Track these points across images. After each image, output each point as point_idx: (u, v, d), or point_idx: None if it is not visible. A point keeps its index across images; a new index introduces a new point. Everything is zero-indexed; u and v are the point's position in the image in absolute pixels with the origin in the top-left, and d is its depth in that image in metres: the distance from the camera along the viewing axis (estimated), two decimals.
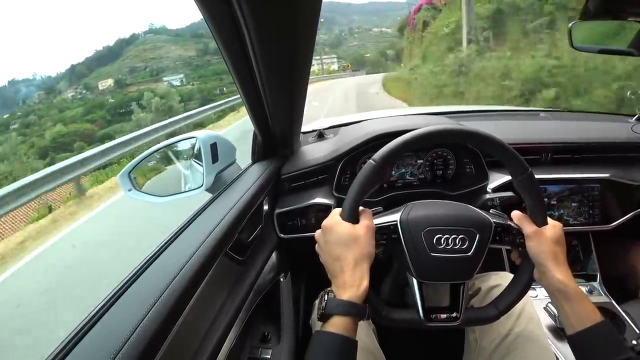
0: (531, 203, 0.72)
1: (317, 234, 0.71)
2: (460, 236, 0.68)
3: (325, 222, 0.69)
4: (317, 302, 0.98)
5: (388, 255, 0.75)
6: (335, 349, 0.57)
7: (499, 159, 0.72)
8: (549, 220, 0.72)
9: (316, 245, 0.71)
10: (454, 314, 0.70)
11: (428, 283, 0.71)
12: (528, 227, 0.70)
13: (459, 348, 0.94)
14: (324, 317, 0.60)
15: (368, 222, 0.67)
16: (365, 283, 0.62)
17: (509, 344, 0.81)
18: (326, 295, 0.62)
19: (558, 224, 0.72)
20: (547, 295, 1.12)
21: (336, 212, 0.69)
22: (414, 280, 0.70)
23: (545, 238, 0.69)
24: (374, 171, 0.67)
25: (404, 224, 0.69)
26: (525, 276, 0.72)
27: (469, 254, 0.67)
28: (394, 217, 0.71)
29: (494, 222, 0.71)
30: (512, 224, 0.72)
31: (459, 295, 0.71)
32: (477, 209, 0.73)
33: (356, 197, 0.67)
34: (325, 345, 0.58)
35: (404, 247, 0.69)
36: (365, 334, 0.89)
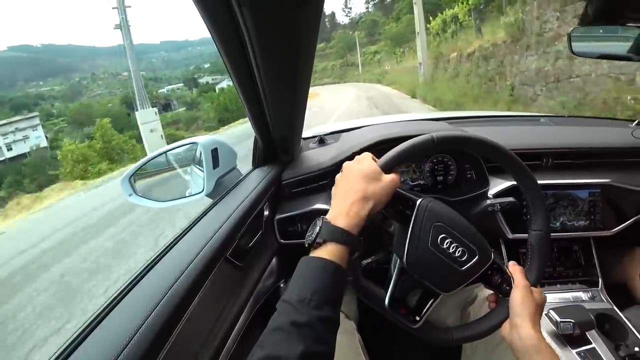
0: (534, 261, 0.73)
1: (346, 163, 0.70)
2: (462, 248, 0.67)
3: (359, 156, 0.69)
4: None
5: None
6: (328, 274, 0.54)
7: (531, 202, 0.73)
8: (539, 287, 0.72)
9: (337, 175, 0.69)
10: (415, 318, 0.70)
11: (408, 275, 0.70)
12: (520, 279, 0.69)
13: (456, 351, 0.93)
14: (316, 244, 0.58)
15: (395, 177, 0.66)
16: (363, 214, 0.60)
17: (505, 348, 0.80)
18: (320, 221, 0.60)
19: (545, 296, 0.71)
20: (548, 301, 1.13)
21: (369, 154, 0.69)
22: (398, 265, 0.70)
23: (532, 296, 0.68)
24: (427, 145, 0.68)
25: (422, 207, 0.68)
26: (494, 322, 0.71)
27: (462, 268, 0.67)
28: (416, 198, 0.70)
29: (494, 258, 0.70)
30: (507, 270, 0.72)
31: (426, 304, 0.71)
32: (485, 241, 0.72)
33: (399, 154, 0.68)
34: (317, 269, 0.55)
35: (410, 228, 0.68)
36: (349, 345, 0.89)
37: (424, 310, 0.70)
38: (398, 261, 0.70)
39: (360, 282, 0.73)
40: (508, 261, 0.75)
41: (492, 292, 0.74)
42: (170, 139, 28.82)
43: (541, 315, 0.69)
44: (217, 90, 54.85)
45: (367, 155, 0.69)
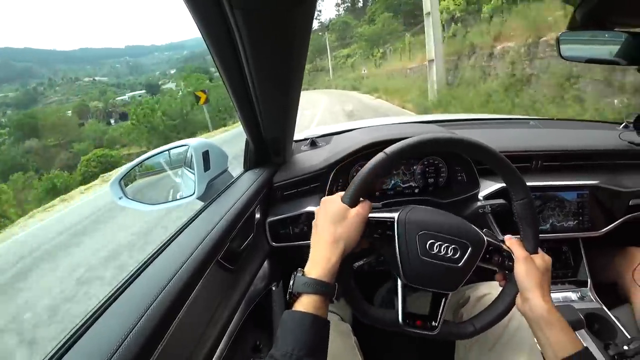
0: (526, 229, 0.73)
1: (317, 208, 0.71)
2: (453, 246, 0.68)
3: (324, 199, 0.71)
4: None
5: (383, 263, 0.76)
6: (305, 327, 0.55)
7: (504, 180, 0.73)
8: (539, 250, 0.73)
9: (313, 222, 0.71)
10: (432, 324, 0.70)
11: (413, 288, 0.70)
12: (519, 251, 0.71)
13: (449, 355, 0.94)
14: (292, 297, 0.60)
15: (362, 210, 0.67)
16: (334, 260, 0.61)
17: (500, 350, 0.81)
18: (294, 274, 0.61)
19: (548, 257, 0.72)
20: None
21: (340, 194, 0.70)
22: (399, 282, 0.71)
23: (534, 265, 0.69)
24: (382, 163, 0.68)
25: (401, 222, 0.69)
26: (508, 299, 0.72)
27: (459, 265, 0.68)
28: (393, 214, 0.71)
29: (487, 240, 0.71)
30: (504, 246, 0.73)
31: (439, 306, 0.71)
32: (473, 226, 0.74)
33: (359, 184, 0.68)
34: (294, 323, 0.56)
35: (396, 246, 0.69)
36: (344, 347, 0.88)
37: (439, 313, 0.71)
38: (399, 279, 0.71)
39: (369, 312, 0.72)
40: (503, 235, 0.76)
41: (491, 280, 0.75)
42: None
43: (549, 280, 0.70)
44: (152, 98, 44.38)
45: (334, 196, 0.70)
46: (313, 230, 0.69)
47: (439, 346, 0.85)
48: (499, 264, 0.72)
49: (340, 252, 0.63)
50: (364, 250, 1.01)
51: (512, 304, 0.71)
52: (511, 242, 0.73)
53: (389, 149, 0.69)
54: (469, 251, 0.68)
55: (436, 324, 0.70)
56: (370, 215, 0.70)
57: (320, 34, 57.13)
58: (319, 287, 0.59)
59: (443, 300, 0.71)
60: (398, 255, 0.68)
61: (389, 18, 34.53)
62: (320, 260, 0.62)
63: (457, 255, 0.68)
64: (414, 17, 28.59)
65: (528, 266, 0.69)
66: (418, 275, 0.68)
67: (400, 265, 0.68)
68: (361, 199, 0.69)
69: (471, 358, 0.86)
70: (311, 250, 0.65)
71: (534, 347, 0.83)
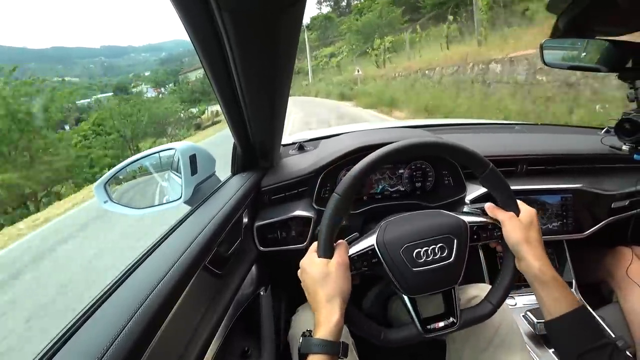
0: (499, 195, 0.74)
1: (299, 272, 0.71)
2: (439, 245, 0.69)
3: (302, 261, 0.71)
4: (294, 317, 0.97)
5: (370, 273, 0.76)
6: None
7: (462, 161, 0.75)
8: (522, 206, 0.74)
9: (301, 283, 0.71)
10: (451, 319, 0.71)
11: (419, 296, 0.71)
12: (501, 215, 0.72)
13: (441, 357, 0.94)
14: (302, 357, 0.62)
15: (339, 258, 0.68)
16: (335, 319, 0.62)
17: (492, 353, 0.81)
18: (302, 336, 0.64)
19: (531, 210, 0.73)
20: (525, 304, 1.15)
21: (313, 248, 0.70)
22: (405, 298, 0.71)
23: (517, 224, 0.70)
24: (339, 205, 0.68)
25: (381, 246, 0.70)
26: (510, 264, 0.73)
27: (451, 260, 0.69)
28: (370, 240, 0.71)
29: (469, 222, 0.72)
30: (487, 219, 0.74)
31: (452, 301, 0.72)
32: (451, 213, 0.75)
33: (327, 233, 0.68)
34: None
35: (386, 269, 0.69)
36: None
37: (454, 307, 0.72)
38: (404, 297, 0.71)
39: (390, 337, 0.72)
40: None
41: (479, 281, 0.76)
42: None
43: (537, 232, 0.71)
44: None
45: (308, 255, 0.71)
46: (305, 293, 0.70)
47: (431, 348, 0.86)
48: (489, 238, 0.74)
49: (338, 308, 0.64)
50: None
51: (516, 269, 0.72)
52: (491, 210, 0.75)
53: (339, 189, 0.69)
54: (455, 243, 0.69)
55: (455, 319, 0.71)
56: (351, 252, 0.70)
57: None
58: (325, 347, 0.61)
59: (452, 293, 0.72)
60: (391, 275, 0.69)
61: (387, 4, 26.76)
62: (323, 321, 0.63)
63: (446, 252, 0.69)
64: (414, 9, 23.41)
65: (511, 225, 0.70)
66: (417, 286, 0.69)
67: (397, 283, 0.69)
68: (337, 242, 0.70)
69: (465, 358, 0.86)
70: (314, 314, 0.66)
71: (525, 348, 0.84)
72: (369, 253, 0.71)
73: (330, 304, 0.64)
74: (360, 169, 0.69)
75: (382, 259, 0.69)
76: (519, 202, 0.75)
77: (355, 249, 0.71)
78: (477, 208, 0.81)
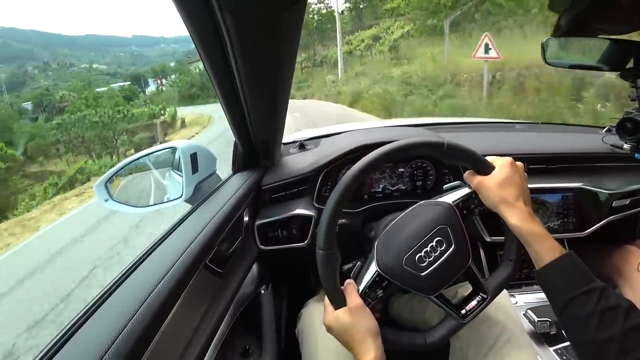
0: (468, 162, 0.73)
1: (327, 330, 0.73)
2: (436, 240, 0.68)
3: (324, 321, 0.72)
4: (303, 310, 0.97)
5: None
6: None
7: (419, 153, 0.75)
8: (496, 161, 0.72)
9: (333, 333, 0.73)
10: (480, 295, 0.72)
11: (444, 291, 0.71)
12: (473, 182, 0.72)
13: (444, 358, 0.94)
14: None
15: (352, 302, 0.69)
16: (371, 357, 0.64)
17: (497, 352, 0.80)
18: None
19: (504, 165, 0.71)
20: (526, 302, 1.15)
21: (327, 303, 0.72)
22: (432, 298, 0.71)
23: (489, 186, 0.69)
24: (328, 259, 0.69)
25: (384, 268, 0.69)
26: (510, 234, 0.73)
27: (452, 247, 0.69)
28: (373, 268, 0.71)
29: (453, 201, 0.72)
30: (468, 188, 0.74)
31: (475, 277, 0.72)
32: (432, 201, 0.74)
33: (329, 284, 0.69)
34: None
35: (400, 285, 0.70)
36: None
37: (479, 282, 0.72)
38: (431, 298, 0.71)
39: (434, 337, 0.73)
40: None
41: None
42: None
43: (514, 185, 0.69)
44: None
45: (327, 314, 0.72)
46: (340, 341, 0.71)
47: (433, 352, 0.85)
48: (478, 205, 0.73)
49: (372, 346, 0.65)
50: (353, 253, 1.01)
51: (513, 235, 0.72)
52: (467, 178, 0.74)
53: (319, 243, 0.69)
54: (449, 230, 0.69)
55: (485, 295, 0.72)
56: (361, 288, 0.71)
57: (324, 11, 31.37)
58: None
59: (472, 269, 0.72)
60: (406, 288, 0.70)
61: None
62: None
63: (445, 243, 0.69)
64: None
65: (484, 190, 0.70)
66: (434, 285, 0.69)
67: (415, 291, 0.70)
68: (345, 284, 0.71)
69: (470, 355, 0.85)
70: (356, 357, 0.68)
71: (531, 346, 0.83)
72: (377, 280, 0.70)
73: (364, 345, 0.65)
74: (329, 215, 0.69)
75: (391, 279, 0.69)
76: (491, 158, 0.74)
77: (363, 283, 0.71)
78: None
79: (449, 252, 0.68)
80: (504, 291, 0.95)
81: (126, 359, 0.45)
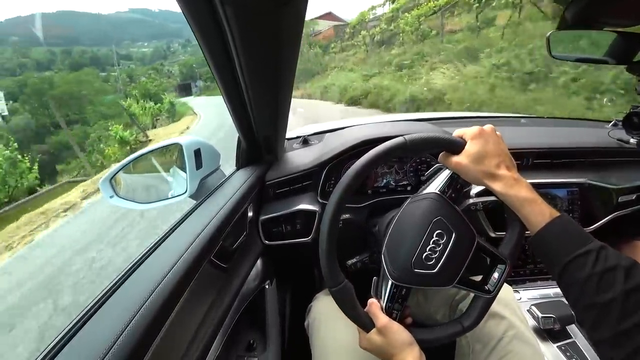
0: (433, 148, 0.70)
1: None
2: (435, 234, 0.68)
3: (361, 346, 0.73)
4: (313, 304, 0.97)
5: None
6: None
7: (390, 156, 0.70)
8: (466, 134, 0.69)
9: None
10: (499, 267, 0.70)
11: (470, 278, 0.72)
12: (449, 164, 0.69)
13: (450, 355, 0.94)
14: None
15: (379, 322, 0.69)
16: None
17: (503, 347, 0.80)
18: None
19: (473, 133, 0.68)
20: (530, 298, 1.15)
21: (360, 331, 0.73)
22: (453, 285, 0.70)
23: (465, 164, 0.66)
24: (342, 295, 0.69)
25: (398, 278, 0.69)
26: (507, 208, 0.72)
27: (454, 235, 0.68)
28: (388, 281, 0.70)
29: (439, 189, 0.71)
30: (449, 171, 0.72)
31: (488, 251, 0.71)
32: (419, 195, 0.73)
33: (352, 314, 0.70)
34: None
35: (418, 287, 0.70)
36: (353, 337, 0.89)
37: (494, 253, 0.71)
38: (452, 285, 0.71)
39: (470, 321, 0.72)
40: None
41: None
42: None
43: (490, 154, 0.66)
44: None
45: (362, 339, 0.73)
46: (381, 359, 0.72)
47: (439, 349, 0.85)
48: (465, 185, 0.73)
49: (410, 355, 0.66)
50: (357, 248, 1.01)
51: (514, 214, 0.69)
52: (442, 160, 0.71)
53: (328, 282, 0.69)
54: (445, 220, 0.68)
55: (504, 265, 0.70)
56: (384, 304, 0.71)
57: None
58: None
59: (483, 246, 0.71)
60: (425, 289, 0.71)
61: None
62: None
63: (445, 234, 0.68)
64: None
65: (462, 169, 0.67)
66: (449, 277, 0.68)
67: (434, 288, 0.71)
68: (370, 304, 0.71)
69: (477, 350, 0.84)
70: None
71: (536, 341, 0.83)
72: (396, 291, 0.71)
73: (401, 356, 0.66)
74: (322, 246, 0.68)
75: (407, 285, 0.70)
76: (460, 132, 0.70)
77: (384, 299, 0.71)
78: (484, 201, 0.78)
79: (452, 241, 0.68)
80: (509, 287, 0.95)
81: (132, 352, 0.46)
